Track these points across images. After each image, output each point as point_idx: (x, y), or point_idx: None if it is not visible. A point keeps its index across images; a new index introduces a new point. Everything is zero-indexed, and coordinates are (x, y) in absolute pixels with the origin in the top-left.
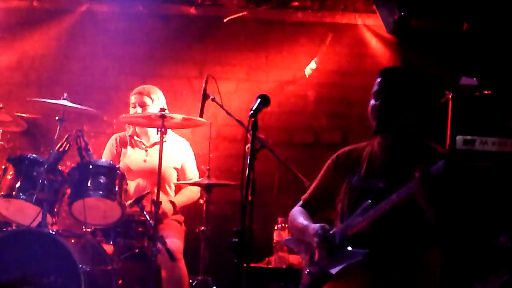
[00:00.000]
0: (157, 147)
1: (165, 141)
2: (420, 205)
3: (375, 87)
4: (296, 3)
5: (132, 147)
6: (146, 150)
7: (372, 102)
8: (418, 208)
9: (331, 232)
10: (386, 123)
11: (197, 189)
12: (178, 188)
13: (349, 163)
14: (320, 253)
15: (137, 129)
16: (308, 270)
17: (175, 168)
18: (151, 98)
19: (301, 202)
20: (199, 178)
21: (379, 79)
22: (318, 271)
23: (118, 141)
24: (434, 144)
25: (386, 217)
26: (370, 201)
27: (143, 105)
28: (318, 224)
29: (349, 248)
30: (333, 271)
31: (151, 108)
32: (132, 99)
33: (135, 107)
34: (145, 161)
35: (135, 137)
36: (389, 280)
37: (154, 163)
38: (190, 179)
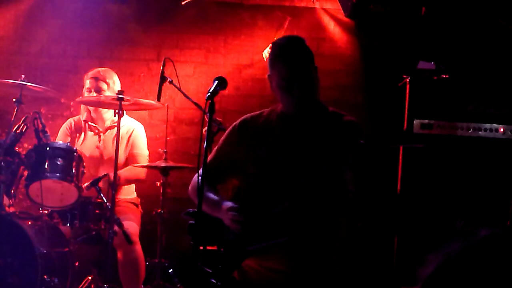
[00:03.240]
0: (110, 131)
1: (122, 125)
2: (343, 179)
3: (279, 58)
4: None
5: (86, 132)
6: (100, 136)
7: (282, 70)
8: (336, 183)
9: (247, 208)
10: (304, 88)
11: (142, 169)
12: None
13: (254, 131)
14: (234, 230)
15: (92, 114)
16: (222, 249)
17: (126, 151)
18: (106, 83)
19: (202, 170)
20: (156, 160)
21: (280, 50)
22: (233, 249)
23: (72, 126)
24: (338, 110)
25: (305, 193)
26: (284, 176)
27: (98, 90)
28: (230, 202)
29: (270, 227)
30: (251, 248)
31: (106, 94)
32: (87, 83)
33: (90, 91)
34: (98, 147)
35: (90, 122)
36: (309, 255)
37: (107, 149)
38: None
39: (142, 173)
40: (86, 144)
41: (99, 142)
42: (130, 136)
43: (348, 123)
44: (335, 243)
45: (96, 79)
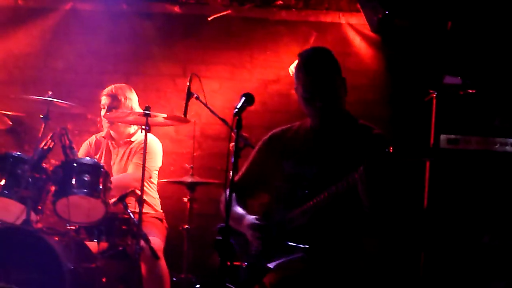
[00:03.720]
0: (127, 147)
1: (134, 140)
2: (358, 195)
3: (302, 69)
4: (280, 2)
5: (105, 148)
6: (118, 152)
7: (305, 82)
8: (354, 198)
9: (267, 224)
10: (326, 99)
11: (133, 176)
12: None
13: (283, 145)
14: (256, 245)
15: (111, 131)
16: (245, 264)
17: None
18: (118, 99)
19: (232, 185)
20: (182, 176)
21: (304, 61)
22: (255, 265)
23: (93, 142)
24: (367, 123)
25: (324, 208)
26: (307, 191)
27: (110, 108)
28: (253, 216)
29: (289, 243)
30: (271, 265)
31: (120, 111)
32: (102, 100)
33: (104, 108)
34: (115, 163)
35: (108, 139)
36: (329, 273)
37: (122, 165)
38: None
39: (132, 182)
40: (106, 160)
41: (117, 158)
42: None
43: (376, 136)
44: (354, 258)
45: (108, 96)
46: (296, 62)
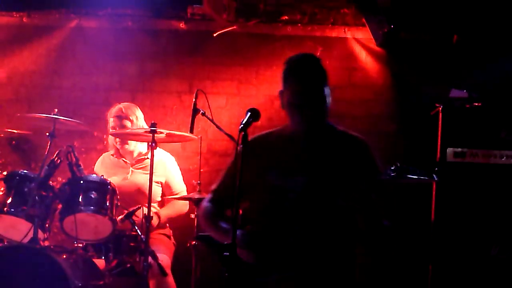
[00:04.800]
0: (139, 164)
1: (148, 157)
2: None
3: (293, 76)
4: (286, 17)
5: (114, 166)
6: (128, 169)
7: (296, 89)
8: (347, 213)
9: (259, 237)
10: (316, 108)
11: (184, 203)
12: (162, 203)
13: (262, 154)
14: (246, 258)
15: (119, 148)
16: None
17: (159, 183)
18: (130, 120)
19: (211, 196)
20: (189, 192)
21: (295, 68)
22: (244, 279)
23: (103, 160)
24: (346, 130)
25: (318, 224)
26: (295, 203)
27: (122, 129)
28: (241, 230)
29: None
30: (261, 279)
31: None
32: (111, 122)
33: (115, 130)
34: (125, 179)
35: (117, 157)
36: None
37: (136, 181)
38: (176, 193)
39: (184, 207)
40: (115, 178)
41: (128, 175)
42: (163, 169)
43: (359, 143)
44: (347, 274)
45: (119, 117)
46: (287, 67)
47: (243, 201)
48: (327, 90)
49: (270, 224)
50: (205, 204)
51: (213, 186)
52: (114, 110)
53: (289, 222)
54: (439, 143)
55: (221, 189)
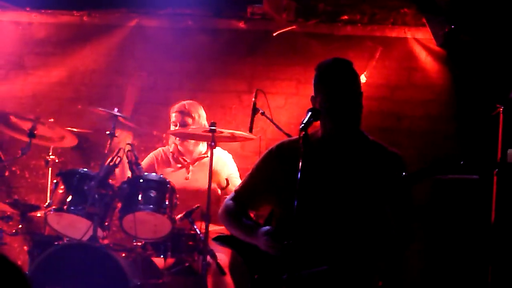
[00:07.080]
0: (199, 163)
1: (207, 156)
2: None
3: (328, 79)
4: (345, 17)
5: (174, 165)
6: (188, 168)
7: (329, 92)
8: (378, 212)
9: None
10: (347, 112)
11: None
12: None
13: (291, 157)
14: (271, 255)
15: (179, 146)
16: (256, 276)
17: (219, 186)
18: (192, 117)
19: (233, 194)
20: None
21: (329, 72)
22: (268, 277)
23: (159, 158)
24: (378, 140)
25: (346, 225)
26: (324, 209)
27: (184, 125)
28: (267, 227)
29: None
30: (287, 277)
31: (192, 127)
32: (173, 117)
33: (176, 125)
34: (187, 178)
35: (177, 154)
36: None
37: (197, 181)
38: None
39: None
40: (174, 176)
41: (188, 174)
42: (225, 166)
43: (391, 155)
44: (375, 274)
45: (181, 113)
46: (318, 72)
47: (267, 203)
48: (360, 96)
49: (297, 227)
50: (227, 202)
51: (236, 187)
52: (177, 105)
53: (317, 227)
54: (500, 144)
55: (244, 190)
